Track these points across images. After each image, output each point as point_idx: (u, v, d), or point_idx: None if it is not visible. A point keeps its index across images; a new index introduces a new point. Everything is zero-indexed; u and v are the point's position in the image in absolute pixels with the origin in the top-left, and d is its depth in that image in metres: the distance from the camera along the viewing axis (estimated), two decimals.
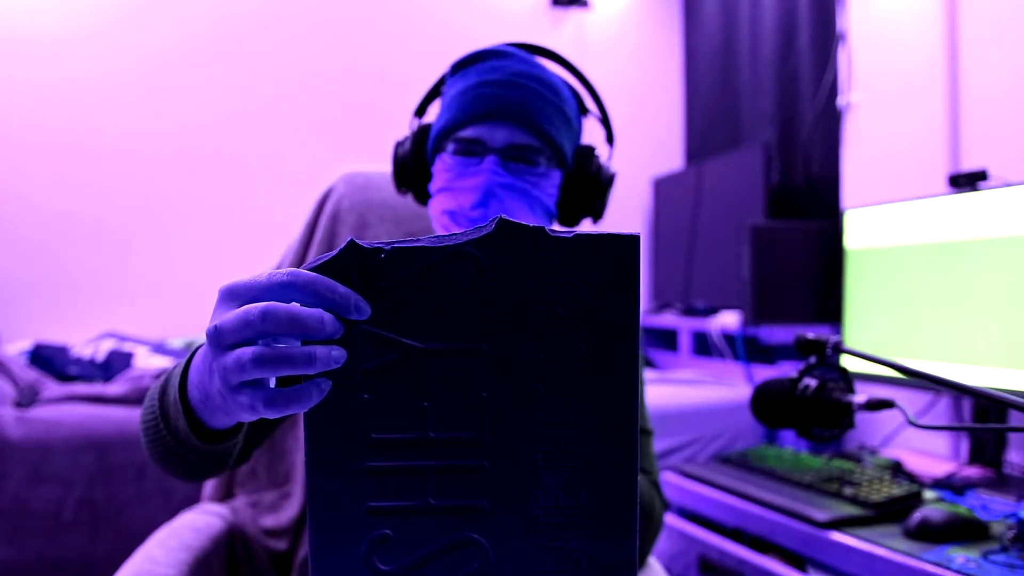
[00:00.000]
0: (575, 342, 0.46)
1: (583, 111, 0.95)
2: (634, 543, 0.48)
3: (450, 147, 0.88)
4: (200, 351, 0.55)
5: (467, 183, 0.85)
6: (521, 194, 0.86)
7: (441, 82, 0.94)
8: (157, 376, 1.77)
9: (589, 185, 0.92)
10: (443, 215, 0.89)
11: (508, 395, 0.47)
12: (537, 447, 0.47)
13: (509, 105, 0.85)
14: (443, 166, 0.88)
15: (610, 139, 0.97)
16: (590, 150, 0.93)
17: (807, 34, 2.29)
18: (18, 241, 2.31)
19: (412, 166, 0.93)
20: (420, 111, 0.96)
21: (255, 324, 0.44)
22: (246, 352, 0.45)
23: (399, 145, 0.95)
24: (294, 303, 0.45)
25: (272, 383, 0.48)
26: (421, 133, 0.93)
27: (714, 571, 1.35)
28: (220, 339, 0.46)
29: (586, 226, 1.00)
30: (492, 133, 0.85)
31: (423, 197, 0.95)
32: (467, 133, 0.86)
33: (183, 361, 0.63)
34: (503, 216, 0.46)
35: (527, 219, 0.86)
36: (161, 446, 0.68)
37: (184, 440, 0.64)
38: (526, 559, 0.48)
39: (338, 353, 0.45)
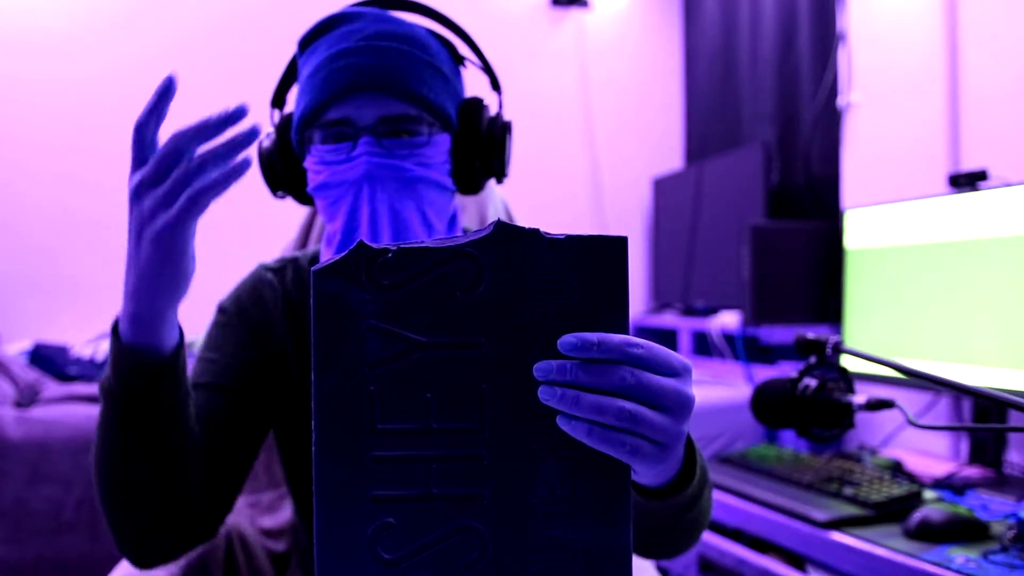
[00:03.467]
0: None
1: (459, 61, 0.85)
2: (628, 532, 0.49)
3: (316, 136, 0.78)
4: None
5: (344, 176, 0.76)
6: (402, 182, 0.76)
7: (293, 63, 0.84)
8: None
9: (483, 143, 0.81)
10: (330, 225, 0.80)
11: (506, 387, 0.49)
12: (534, 437, 0.49)
13: (371, 73, 0.74)
14: (314, 160, 0.79)
15: (495, 86, 0.86)
16: (476, 103, 0.82)
17: (807, 34, 2.29)
18: (18, 241, 2.31)
19: (281, 164, 0.82)
20: (277, 101, 0.86)
21: (171, 150, 0.60)
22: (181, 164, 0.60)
23: (263, 142, 0.84)
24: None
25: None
26: (284, 125, 0.82)
27: (714, 571, 1.35)
28: (143, 185, 0.62)
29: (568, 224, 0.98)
30: (360, 109, 0.75)
31: (304, 198, 0.85)
32: (332, 115, 0.76)
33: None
34: (500, 220, 0.49)
35: (417, 208, 0.78)
36: (115, 439, 0.67)
37: (130, 388, 0.65)
38: (524, 547, 0.49)
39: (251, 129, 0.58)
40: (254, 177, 2.15)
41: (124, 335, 0.65)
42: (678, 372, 0.49)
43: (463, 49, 0.86)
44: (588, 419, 0.47)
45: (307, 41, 0.80)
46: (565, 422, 0.47)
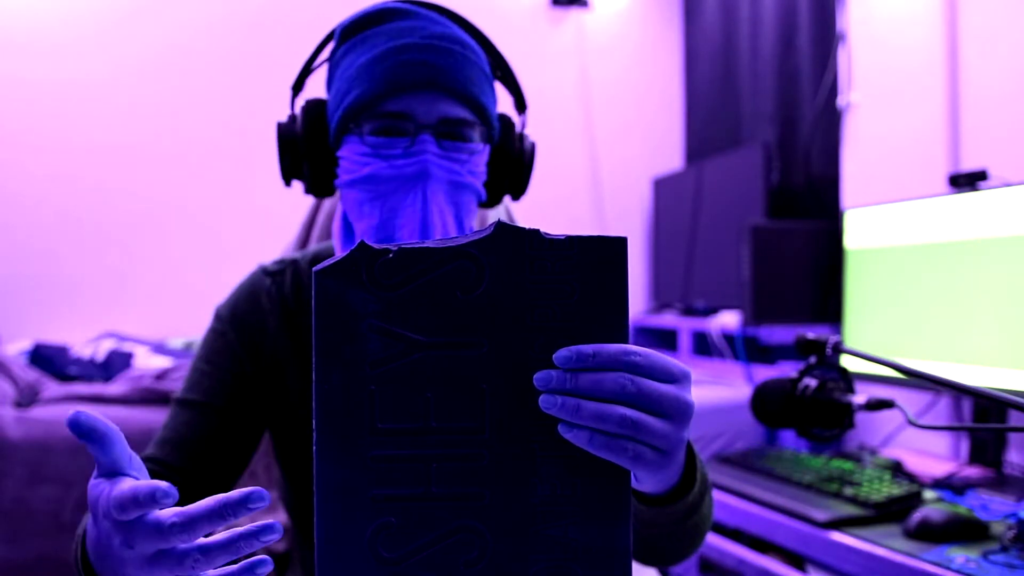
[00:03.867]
0: (568, 336, 0.49)
1: (494, 75, 0.84)
2: (628, 532, 0.49)
3: (367, 126, 0.75)
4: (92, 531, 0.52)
5: (401, 170, 0.74)
6: (453, 186, 0.75)
7: (321, 47, 0.82)
8: (158, 376, 1.77)
9: (515, 160, 0.82)
10: (363, 220, 0.76)
11: (506, 387, 0.49)
12: (534, 437, 0.49)
13: (440, 72, 0.73)
14: (359, 150, 0.75)
15: (521, 107, 0.85)
16: (510, 121, 0.83)
17: (807, 34, 2.29)
18: (18, 241, 2.31)
19: (308, 150, 0.79)
20: (298, 86, 0.83)
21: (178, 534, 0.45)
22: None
23: (284, 125, 0.80)
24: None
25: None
26: (313, 109, 0.79)
27: (714, 571, 1.35)
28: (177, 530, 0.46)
29: (572, 225, 0.98)
30: (423, 105, 0.73)
31: (322, 189, 0.81)
32: (392, 107, 0.73)
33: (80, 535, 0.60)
34: (501, 220, 0.49)
35: (455, 214, 0.77)
36: None
37: None
38: (524, 547, 0.49)
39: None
40: (257, 178, 2.12)
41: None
42: (677, 378, 0.50)
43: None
44: (590, 427, 0.47)
45: (352, 30, 0.78)
46: (567, 430, 0.47)
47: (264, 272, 0.87)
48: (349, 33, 0.78)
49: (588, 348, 0.47)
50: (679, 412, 0.49)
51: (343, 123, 0.76)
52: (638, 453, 0.47)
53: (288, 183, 0.84)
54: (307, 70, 0.83)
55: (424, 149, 0.73)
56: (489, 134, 0.79)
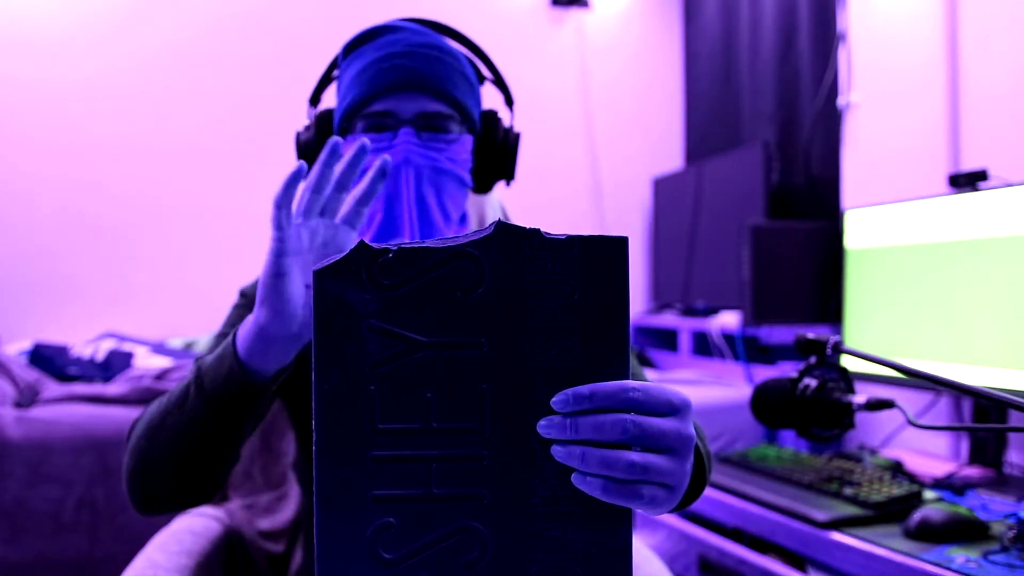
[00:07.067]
0: (569, 336, 0.49)
1: (480, 79, 0.94)
2: (628, 532, 0.49)
3: (359, 125, 0.86)
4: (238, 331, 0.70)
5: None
6: (433, 171, 0.85)
7: (333, 66, 0.93)
8: (158, 376, 1.77)
9: (499, 148, 0.92)
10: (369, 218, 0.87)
11: (506, 387, 0.49)
12: (534, 437, 0.49)
13: (416, 74, 0.84)
14: None
15: (509, 102, 0.96)
16: (494, 114, 0.92)
17: (807, 34, 2.29)
18: (18, 241, 2.31)
19: (317, 153, 0.90)
20: (315, 99, 0.95)
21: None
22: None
23: (301, 134, 0.93)
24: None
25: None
26: (323, 118, 0.91)
27: (714, 571, 1.35)
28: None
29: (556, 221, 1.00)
30: (402, 104, 0.84)
31: None
32: (377, 107, 0.85)
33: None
34: (501, 220, 0.49)
35: (437, 197, 0.86)
36: (189, 430, 0.71)
37: (228, 402, 0.70)
38: (524, 547, 0.49)
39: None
40: (257, 179, 2.12)
41: (242, 351, 0.70)
42: (678, 409, 0.49)
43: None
44: (599, 474, 0.47)
45: (352, 47, 0.89)
46: (580, 480, 0.47)
47: None
48: (348, 50, 0.89)
49: (585, 389, 0.47)
50: (682, 446, 0.49)
51: (342, 125, 0.88)
52: (652, 496, 0.47)
53: None
54: (322, 84, 0.94)
55: (404, 140, 0.84)
56: (471, 126, 0.89)
